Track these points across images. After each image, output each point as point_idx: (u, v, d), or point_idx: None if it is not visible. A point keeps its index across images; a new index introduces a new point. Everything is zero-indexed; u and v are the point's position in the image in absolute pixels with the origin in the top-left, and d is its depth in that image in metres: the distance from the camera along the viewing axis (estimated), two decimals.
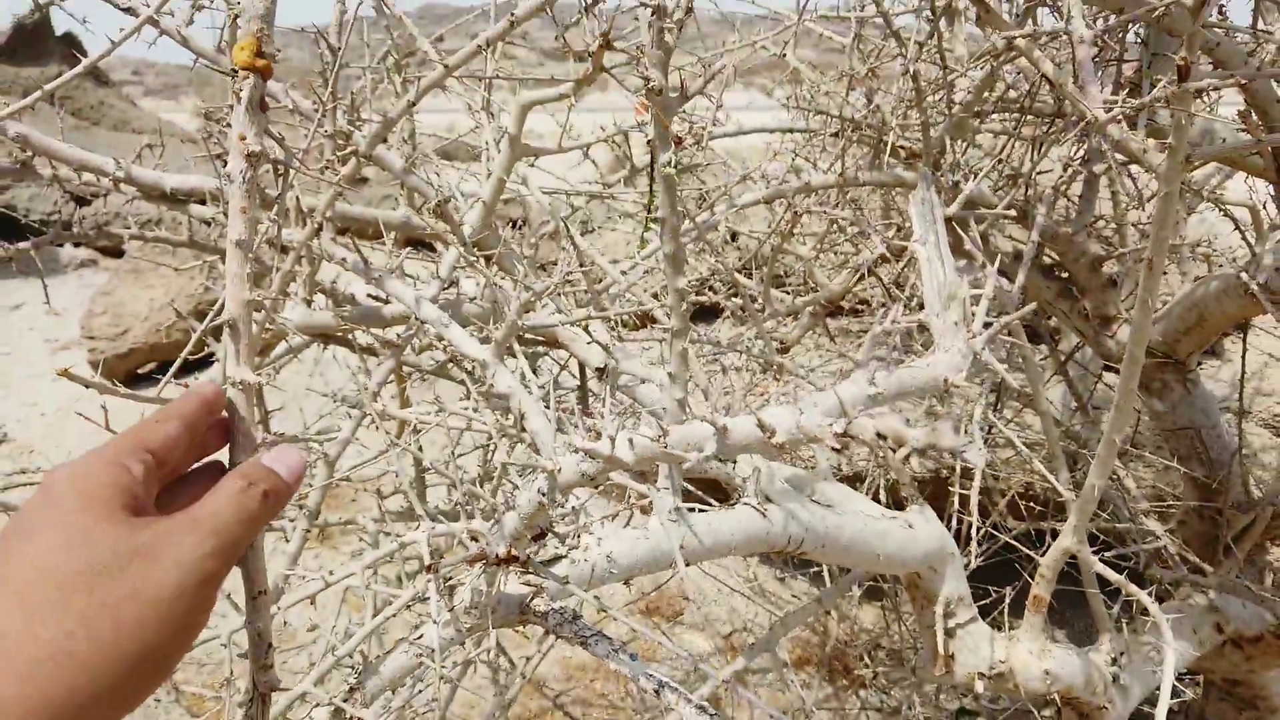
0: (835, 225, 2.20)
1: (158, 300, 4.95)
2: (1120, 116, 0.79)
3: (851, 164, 1.98)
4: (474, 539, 0.77)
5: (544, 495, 0.63)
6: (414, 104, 1.05)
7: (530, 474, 0.67)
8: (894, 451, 0.42)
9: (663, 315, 1.52)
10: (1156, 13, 1.03)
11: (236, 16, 0.49)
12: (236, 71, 0.49)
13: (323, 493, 1.06)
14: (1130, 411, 1.22)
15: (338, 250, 1.13)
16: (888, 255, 2.04)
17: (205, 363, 4.86)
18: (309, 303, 1.19)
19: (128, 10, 1.29)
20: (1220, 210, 1.69)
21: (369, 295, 1.34)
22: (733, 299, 2.33)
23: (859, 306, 3.00)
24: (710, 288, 2.39)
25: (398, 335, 1.16)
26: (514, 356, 1.50)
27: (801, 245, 2.33)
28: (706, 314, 3.60)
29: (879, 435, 0.37)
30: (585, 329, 1.17)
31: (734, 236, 3.74)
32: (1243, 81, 1.15)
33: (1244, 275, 1.52)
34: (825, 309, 2.36)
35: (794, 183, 1.81)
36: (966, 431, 1.74)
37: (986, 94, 1.90)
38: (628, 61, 1.30)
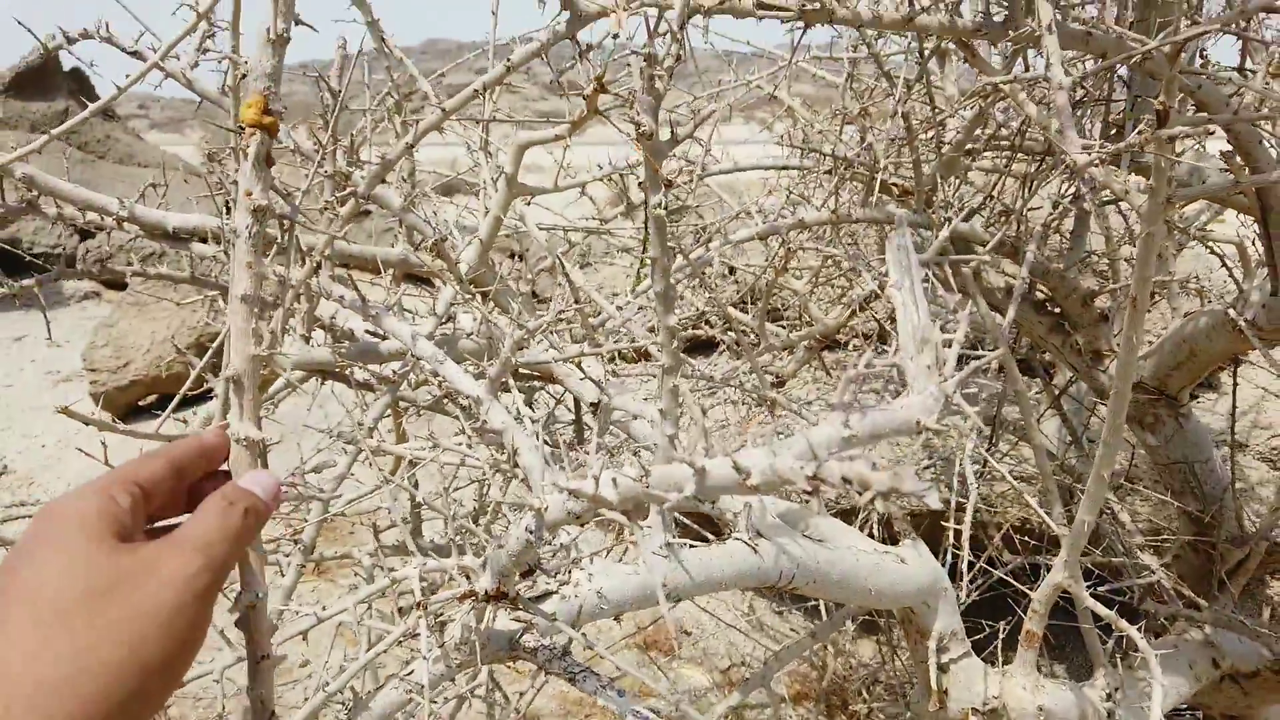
0: (829, 260, 2.23)
1: (159, 333, 4.98)
2: (1099, 160, 0.81)
3: (847, 199, 2.01)
4: (465, 575, 0.78)
5: (531, 533, 0.65)
6: (412, 146, 1.08)
7: (521, 511, 0.68)
8: (860, 495, 0.43)
9: (658, 351, 1.54)
10: (1135, 58, 1.06)
11: (244, 75, 0.51)
12: (244, 128, 0.51)
13: (317, 528, 1.07)
14: (1118, 448, 1.23)
15: (336, 288, 1.15)
16: (880, 291, 2.06)
17: (205, 397, 4.87)
18: (307, 339, 1.21)
19: (134, 54, 1.32)
20: (1206, 247, 1.71)
21: (367, 331, 1.35)
22: (730, 333, 2.35)
23: (855, 340, 3.02)
24: (707, 321, 2.41)
25: (393, 372, 1.18)
26: (509, 392, 1.52)
27: (797, 280, 2.36)
28: (705, 346, 3.62)
29: (844, 480, 0.39)
30: (578, 365, 1.18)
31: (732, 270, 3.78)
32: (1212, 130, 1.17)
33: (1232, 312, 1.54)
34: (820, 343, 2.38)
35: (788, 219, 1.83)
36: (960, 464, 1.75)
37: (977, 132, 1.93)
38: (622, 104, 1.33)
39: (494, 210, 1.33)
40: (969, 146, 1.95)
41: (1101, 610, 1.27)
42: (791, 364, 2.31)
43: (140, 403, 5.23)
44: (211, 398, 1.20)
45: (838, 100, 2.11)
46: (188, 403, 4.86)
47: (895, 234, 0.57)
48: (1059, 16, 1.28)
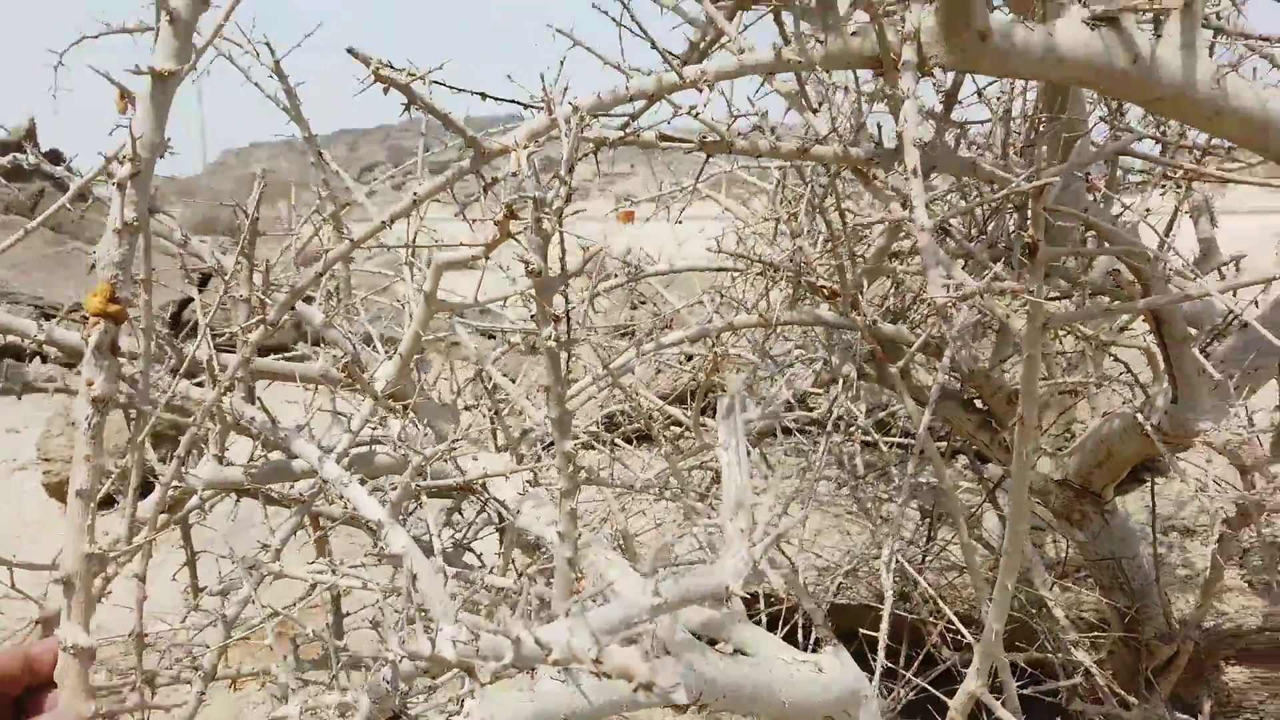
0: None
1: (115, 422, 4.92)
2: (954, 304, 0.85)
3: (778, 299, 2.07)
4: (342, 714, 0.78)
5: (388, 683, 0.66)
6: (320, 275, 1.11)
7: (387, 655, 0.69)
8: (629, 683, 0.45)
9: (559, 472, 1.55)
10: (1012, 190, 1.12)
11: (93, 266, 0.54)
12: (88, 318, 0.54)
13: (218, 653, 1.07)
14: (1019, 556, 1.26)
15: (247, 410, 1.17)
16: (813, 389, 2.11)
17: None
18: (220, 458, 1.22)
19: (65, 175, 1.36)
20: (1111, 356, 1.77)
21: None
22: (671, 428, 2.37)
23: (805, 428, 3.05)
24: (649, 417, 2.44)
25: (300, 493, 1.19)
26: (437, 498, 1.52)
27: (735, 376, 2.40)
28: (650, 437, 3.63)
29: (606, 674, 0.41)
30: (482, 486, 1.20)
31: (689, 358, 3.83)
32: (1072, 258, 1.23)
33: (1139, 416, 1.58)
34: (761, 436, 2.41)
35: (718, 322, 1.88)
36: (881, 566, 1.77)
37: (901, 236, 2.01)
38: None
39: (414, 326, 1.36)
40: (894, 251, 2.03)
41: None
42: None
43: None
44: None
45: (778, 192, 2.20)
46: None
47: (729, 399, 0.61)
48: (951, 140, 1.35)
